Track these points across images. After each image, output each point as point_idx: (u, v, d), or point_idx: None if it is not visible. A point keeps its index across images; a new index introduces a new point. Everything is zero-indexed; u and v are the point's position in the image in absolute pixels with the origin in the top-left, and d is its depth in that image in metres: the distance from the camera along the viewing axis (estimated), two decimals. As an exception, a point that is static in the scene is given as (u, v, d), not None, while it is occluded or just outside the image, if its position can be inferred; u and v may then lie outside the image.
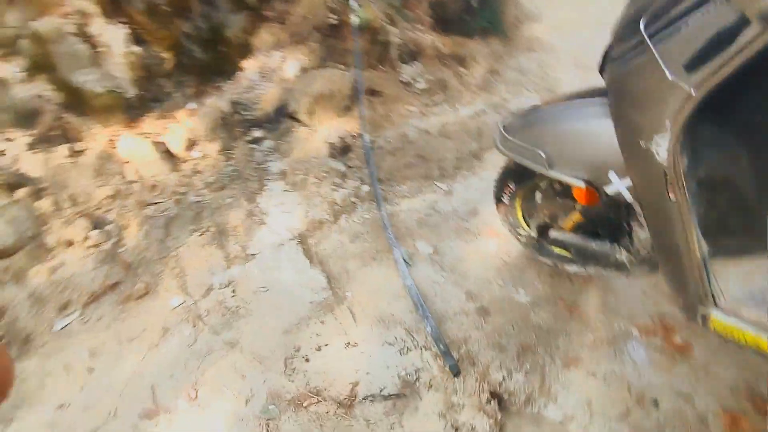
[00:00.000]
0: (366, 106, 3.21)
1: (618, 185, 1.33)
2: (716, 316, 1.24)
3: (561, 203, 1.72)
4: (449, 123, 3.25)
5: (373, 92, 3.42)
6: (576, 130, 1.40)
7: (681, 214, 1.14)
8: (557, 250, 1.81)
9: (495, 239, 2.17)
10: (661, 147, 1.06)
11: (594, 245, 1.62)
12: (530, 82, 3.95)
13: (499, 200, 1.93)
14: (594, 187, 1.42)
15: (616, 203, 1.50)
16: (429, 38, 3.87)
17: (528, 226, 1.89)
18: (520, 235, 1.92)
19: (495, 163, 2.73)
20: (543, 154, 1.47)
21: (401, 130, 3.17)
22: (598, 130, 1.34)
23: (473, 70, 4.04)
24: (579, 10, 6.23)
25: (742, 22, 0.83)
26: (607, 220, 1.58)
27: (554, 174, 1.48)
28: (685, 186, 1.08)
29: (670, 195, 1.12)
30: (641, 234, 1.48)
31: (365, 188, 2.61)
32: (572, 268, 1.77)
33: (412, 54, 3.74)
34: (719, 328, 1.25)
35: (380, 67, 3.62)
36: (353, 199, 2.54)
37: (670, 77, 0.96)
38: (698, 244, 1.16)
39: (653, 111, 1.04)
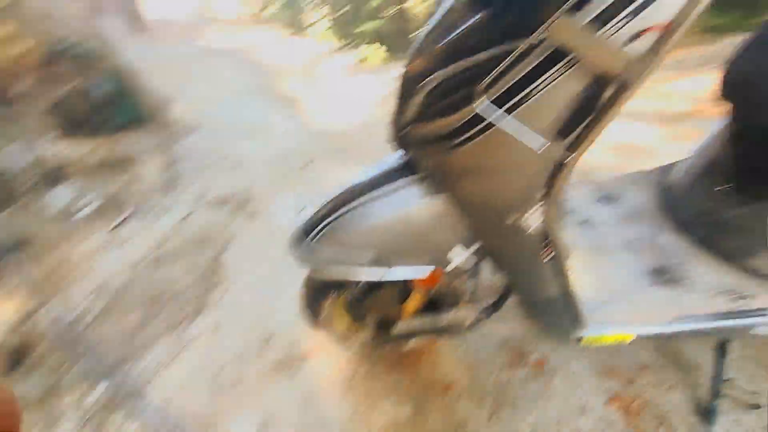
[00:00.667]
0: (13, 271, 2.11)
1: (464, 255, 1.24)
2: (589, 334, 1.32)
3: (394, 295, 1.52)
4: (158, 241, 2.53)
5: (14, 248, 2.29)
6: (405, 218, 1.22)
7: (557, 266, 1.13)
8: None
9: (321, 358, 1.77)
10: (533, 217, 1.01)
11: (444, 318, 1.51)
12: (216, 163, 3.59)
13: (314, 317, 1.56)
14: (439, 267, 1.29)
15: (461, 271, 1.43)
16: (69, 148, 2.93)
17: (361, 328, 1.60)
18: (356, 342, 1.61)
19: (241, 267, 2.27)
20: (375, 255, 1.22)
21: (95, 279, 2.24)
22: (427, 212, 1.20)
23: (144, 170, 3.34)
24: (209, 83, 6.27)
25: (604, 81, 0.82)
26: (450, 289, 1.49)
27: (396, 274, 1.26)
28: (559, 243, 1.07)
29: (544, 258, 1.09)
30: (481, 288, 1.45)
31: (97, 393, 1.67)
32: (416, 341, 1.62)
33: (55, 174, 2.74)
34: (592, 342, 1.34)
35: (11, 204, 2.48)
36: None
37: (538, 148, 0.89)
38: (572, 284, 1.19)
39: (518, 185, 0.96)
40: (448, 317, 1.47)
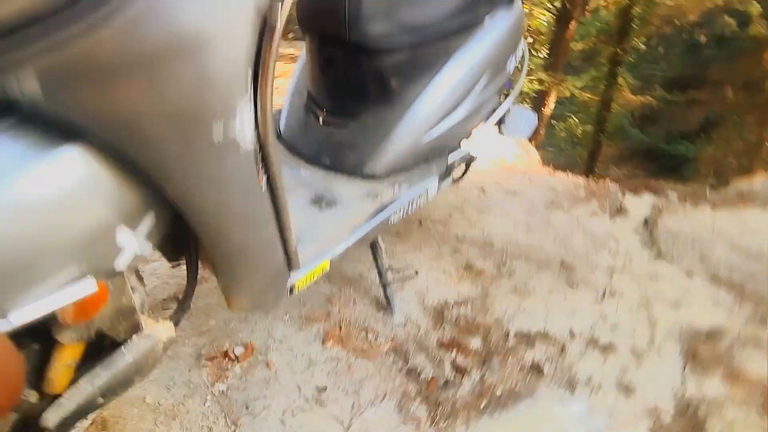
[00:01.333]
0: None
1: (138, 238, 0.83)
2: (299, 277, 1.23)
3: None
4: None
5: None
6: (7, 205, 0.66)
7: (274, 193, 0.94)
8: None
9: None
10: (244, 127, 0.77)
11: (125, 357, 0.98)
12: None
13: None
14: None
15: (134, 268, 0.94)
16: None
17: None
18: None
19: None
20: None
21: None
22: (51, 180, 0.71)
23: None
24: None
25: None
26: (122, 307, 0.96)
27: (19, 320, 0.70)
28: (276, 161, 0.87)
29: (261, 181, 0.87)
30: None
31: None
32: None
33: None
34: (302, 286, 1.26)
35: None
36: None
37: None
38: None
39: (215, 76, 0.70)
40: (133, 352, 0.99)
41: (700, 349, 1.52)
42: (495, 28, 1.71)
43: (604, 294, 1.76)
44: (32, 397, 0.90)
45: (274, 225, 1.05)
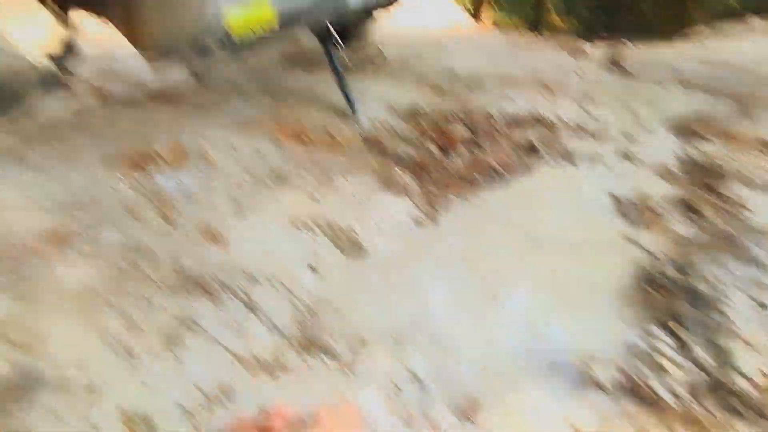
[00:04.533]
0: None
1: None
2: (236, 10, 0.91)
3: None
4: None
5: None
6: None
7: None
8: None
9: None
10: None
11: None
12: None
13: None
14: None
15: None
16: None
17: None
18: None
19: None
20: None
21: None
22: None
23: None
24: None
25: None
26: None
27: None
28: None
29: None
30: None
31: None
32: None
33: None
34: (239, 29, 0.94)
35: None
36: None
37: None
38: None
39: None
40: None
41: (693, 126, 1.41)
42: None
43: (582, 98, 1.60)
44: None
45: None
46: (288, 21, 1.06)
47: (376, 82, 1.57)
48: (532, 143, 1.22)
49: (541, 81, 1.70)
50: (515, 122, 1.31)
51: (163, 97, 1.40)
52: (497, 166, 1.12)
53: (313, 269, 0.85)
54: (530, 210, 1.05)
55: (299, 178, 1.00)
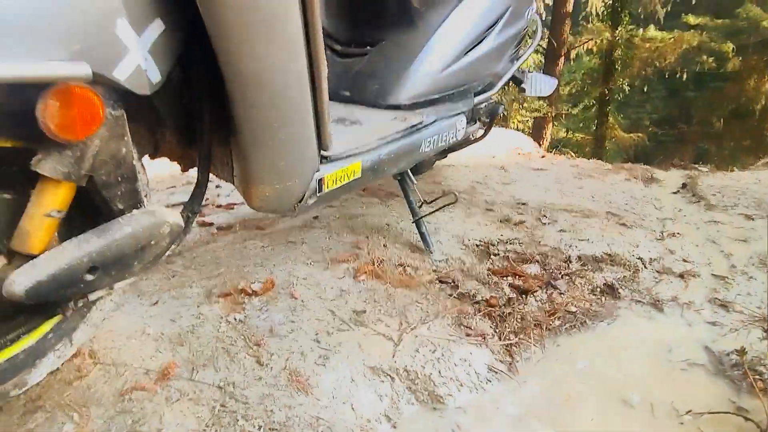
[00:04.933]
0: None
1: (142, 48, 0.68)
2: (329, 171, 1.06)
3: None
4: None
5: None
6: None
7: (314, 38, 0.81)
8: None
9: None
10: None
11: (125, 230, 0.77)
12: None
13: None
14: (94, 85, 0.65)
15: (146, 104, 0.77)
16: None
17: None
18: None
19: None
20: None
21: None
22: None
23: None
24: None
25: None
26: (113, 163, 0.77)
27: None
28: None
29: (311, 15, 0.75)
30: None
31: None
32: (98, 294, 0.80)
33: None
34: (331, 184, 1.08)
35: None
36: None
37: None
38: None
39: None
40: (132, 224, 0.79)
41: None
42: (513, -29, 1.69)
43: (662, 235, 1.57)
44: (-4, 260, 0.70)
45: (309, 93, 0.91)
46: (371, 172, 1.19)
47: (448, 216, 1.66)
48: (611, 286, 1.20)
49: (616, 214, 1.71)
50: (592, 261, 1.30)
51: (257, 228, 1.58)
52: (576, 311, 1.10)
53: (389, 419, 0.85)
54: (614, 362, 1.00)
55: (378, 321, 1.04)
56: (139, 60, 0.67)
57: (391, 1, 1.45)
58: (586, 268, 1.27)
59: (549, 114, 7.61)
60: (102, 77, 0.63)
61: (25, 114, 0.63)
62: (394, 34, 1.48)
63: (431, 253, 1.37)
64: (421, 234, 1.40)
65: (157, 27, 0.70)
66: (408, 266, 1.30)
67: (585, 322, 1.08)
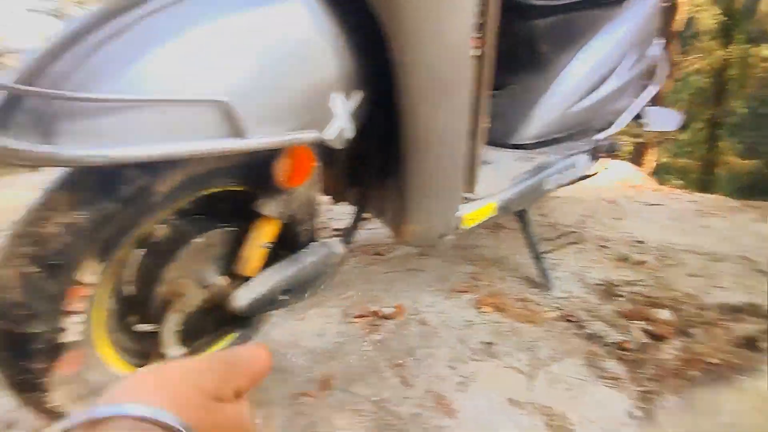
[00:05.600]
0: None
1: (348, 110, 0.83)
2: (468, 211, 1.15)
3: (226, 233, 0.84)
4: None
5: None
6: (244, 29, 0.69)
7: (482, 98, 0.92)
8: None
9: None
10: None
11: (309, 259, 0.93)
12: None
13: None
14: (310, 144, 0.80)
15: (339, 158, 0.94)
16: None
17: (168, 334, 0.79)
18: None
19: None
20: (228, 109, 0.63)
21: None
22: (283, 20, 0.73)
23: None
24: None
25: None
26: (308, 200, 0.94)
27: (258, 143, 0.69)
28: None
29: (483, 47, 0.87)
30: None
31: None
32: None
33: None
34: (469, 222, 1.17)
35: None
36: None
37: None
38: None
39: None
40: (313, 254, 0.94)
41: None
42: (638, 10, 1.69)
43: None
44: (222, 281, 0.87)
45: (469, 144, 1.01)
46: (503, 210, 1.26)
47: (562, 252, 1.67)
48: (752, 338, 1.15)
49: (750, 259, 1.61)
50: (729, 310, 1.25)
51: (376, 254, 1.71)
52: (714, 362, 1.07)
53: (528, 452, 0.90)
54: (762, 418, 0.96)
55: (508, 355, 1.10)
56: (343, 123, 0.81)
57: (522, 48, 1.52)
58: (724, 317, 1.22)
59: (652, 140, 7.15)
60: (320, 139, 0.77)
61: (257, 166, 0.80)
62: (522, 77, 1.55)
63: (549, 289, 1.40)
64: (542, 270, 1.43)
65: (357, 96, 0.84)
66: (529, 301, 1.34)
67: (725, 374, 1.05)
